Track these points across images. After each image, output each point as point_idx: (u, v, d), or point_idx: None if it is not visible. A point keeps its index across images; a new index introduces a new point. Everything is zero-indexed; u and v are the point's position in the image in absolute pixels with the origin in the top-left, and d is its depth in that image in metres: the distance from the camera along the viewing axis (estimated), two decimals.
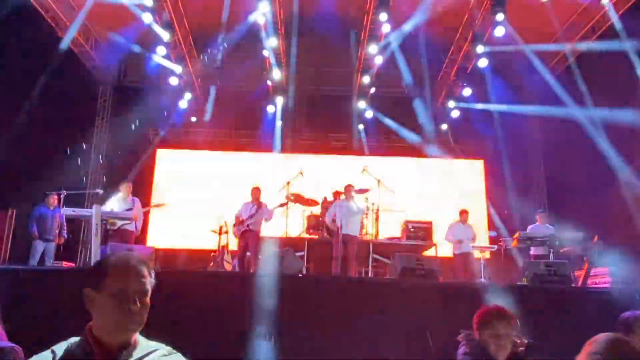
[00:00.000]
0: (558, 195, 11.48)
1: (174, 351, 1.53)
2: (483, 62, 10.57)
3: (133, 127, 11.98)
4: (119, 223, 7.11)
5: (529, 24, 10.00)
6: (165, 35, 9.99)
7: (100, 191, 9.12)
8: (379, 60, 10.67)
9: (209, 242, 9.13)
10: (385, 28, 9.91)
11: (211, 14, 10.26)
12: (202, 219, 10.49)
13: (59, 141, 10.13)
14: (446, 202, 11.34)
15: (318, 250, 8.28)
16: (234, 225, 7.93)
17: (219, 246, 8.60)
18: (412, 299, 4.78)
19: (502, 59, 10.84)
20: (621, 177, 8.37)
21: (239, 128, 12.66)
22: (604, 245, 6.37)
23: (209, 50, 11.26)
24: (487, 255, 9.35)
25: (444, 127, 12.36)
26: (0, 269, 5.52)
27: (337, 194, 8.69)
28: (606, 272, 6.49)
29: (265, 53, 10.76)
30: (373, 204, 8.92)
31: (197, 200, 11.59)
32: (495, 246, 9.35)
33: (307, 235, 8.70)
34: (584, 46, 10.13)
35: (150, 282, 1.51)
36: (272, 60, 10.87)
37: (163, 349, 1.52)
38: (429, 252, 8.47)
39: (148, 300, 1.49)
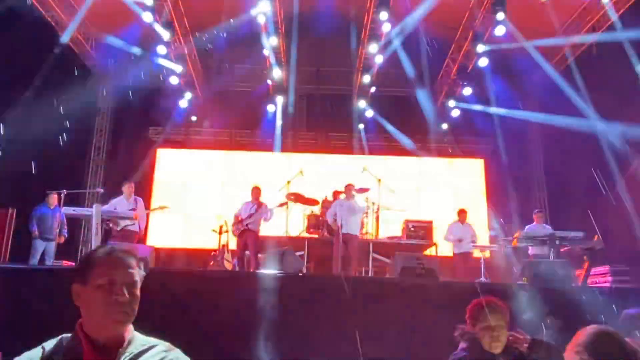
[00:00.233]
0: (558, 195, 11.46)
1: (173, 347, 1.50)
2: (483, 62, 10.57)
3: (133, 126, 11.99)
4: (122, 224, 7.12)
5: (529, 24, 9.99)
6: (165, 35, 9.99)
7: (101, 190, 9.13)
8: (379, 59, 10.67)
9: (209, 242, 9.13)
10: (386, 27, 9.91)
11: (211, 13, 10.25)
12: (202, 219, 10.51)
13: (59, 140, 10.12)
14: (446, 202, 11.36)
15: (318, 249, 8.28)
16: (233, 224, 7.94)
17: (219, 245, 8.60)
18: (412, 298, 4.78)
19: (502, 57, 10.82)
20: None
21: (239, 127, 12.66)
22: (604, 244, 6.37)
23: (209, 50, 11.25)
24: (487, 254, 9.34)
25: (444, 126, 12.35)
26: (1, 268, 5.52)
27: (337, 194, 8.69)
28: (607, 270, 6.51)
29: (266, 52, 10.75)
30: (373, 203, 8.91)
31: (197, 200, 11.60)
32: (496, 245, 9.34)
33: (307, 235, 8.70)
34: (588, 38, 10.07)
35: (138, 273, 1.48)
36: (273, 59, 10.86)
37: (162, 344, 1.49)
38: (429, 252, 8.48)
39: (137, 291, 1.46)
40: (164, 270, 6.81)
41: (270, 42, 10.41)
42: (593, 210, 7.82)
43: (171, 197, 11.07)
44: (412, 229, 8.46)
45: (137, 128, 12.12)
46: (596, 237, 6.51)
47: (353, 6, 10.85)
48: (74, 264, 8.89)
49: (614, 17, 9.34)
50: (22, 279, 4.80)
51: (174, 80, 11.23)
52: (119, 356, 1.39)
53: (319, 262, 8.43)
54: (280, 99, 11.83)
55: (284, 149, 11.96)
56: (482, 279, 7.97)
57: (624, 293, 5.13)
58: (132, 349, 1.42)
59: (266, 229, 8.20)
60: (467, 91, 11.47)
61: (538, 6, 9.64)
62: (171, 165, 12.26)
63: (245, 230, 7.72)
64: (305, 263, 7.88)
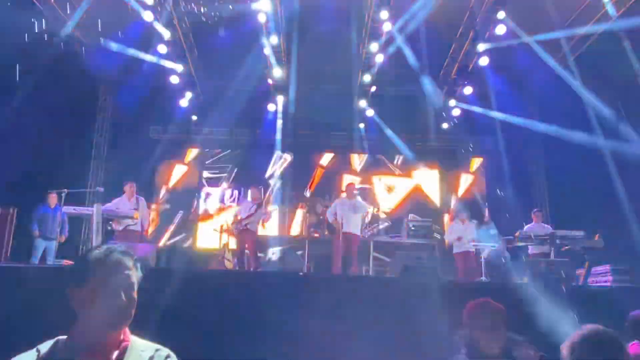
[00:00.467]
0: (558, 194, 11.45)
1: (172, 354, 1.45)
2: (484, 61, 10.55)
3: (133, 126, 11.98)
4: (124, 223, 7.13)
5: (529, 24, 9.97)
6: (166, 34, 9.98)
7: (102, 189, 9.11)
8: (379, 58, 10.65)
9: (210, 242, 9.13)
10: (386, 26, 9.89)
11: (212, 13, 10.23)
12: (203, 219, 10.52)
13: (60, 140, 10.13)
14: (446, 202, 11.36)
15: (318, 249, 8.29)
16: (232, 223, 7.96)
17: (220, 245, 8.61)
18: (412, 297, 4.78)
19: (503, 57, 10.80)
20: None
21: (240, 127, 12.64)
22: (605, 243, 6.37)
23: (209, 49, 11.23)
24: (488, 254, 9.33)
25: (445, 126, 12.34)
26: (2, 267, 5.53)
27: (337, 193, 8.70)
28: (607, 270, 6.49)
29: (266, 51, 10.73)
30: (374, 202, 8.91)
31: (197, 199, 11.59)
32: (496, 245, 9.33)
33: (308, 234, 8.70)
34: (590, 29, 10.01)
35: (135, 275, 1.43)
36: (273, 58, 10.84)
37: (162, 350, 1.44)
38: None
39: (135, 294, 1.41)
40: (164, 269, 6.80)
41: (270, 41, 10.40)
42: (593, 209, 7.83)
43: (171, 197, 11.08)
44: (413, 228, 8.47)
45: (137, 127, 12.11)
46: (597, 236, 6.51)
47: (354, 5, 10.83)
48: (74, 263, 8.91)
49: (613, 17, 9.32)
50: (23, 279, 4.81)
51: (174, 80, 11.21)
52: None
53: (319, 261, 8.44)
54: (280, 98, 11.82)
55: (284, 148, 11.96)
56: (483, 278, 7.97)
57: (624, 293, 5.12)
58: (130, 355, 1.37)
59: (267, 229, 8.21)
60: (468, 90, 11.46)
61: (538, 5, 9.62)
62: (171, 165, 12.24)
63: (244, 230, 7.73)
64: (306, 262, 7.90)
